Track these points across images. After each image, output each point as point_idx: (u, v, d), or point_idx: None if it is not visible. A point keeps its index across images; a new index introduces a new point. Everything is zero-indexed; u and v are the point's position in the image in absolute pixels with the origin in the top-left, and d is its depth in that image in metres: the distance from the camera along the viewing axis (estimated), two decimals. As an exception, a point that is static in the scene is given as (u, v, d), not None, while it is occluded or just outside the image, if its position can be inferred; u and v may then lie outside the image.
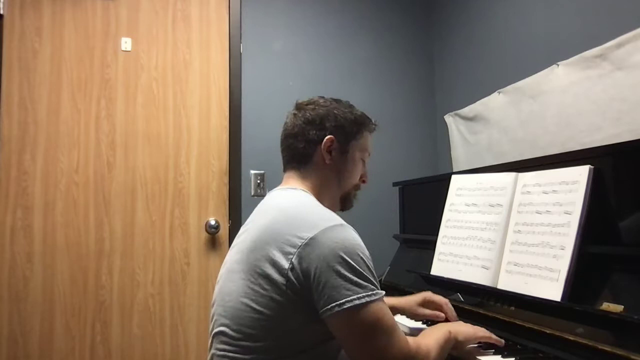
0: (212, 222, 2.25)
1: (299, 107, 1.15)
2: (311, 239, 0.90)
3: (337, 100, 1.16)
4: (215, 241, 2.28)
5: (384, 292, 0.93)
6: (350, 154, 1.13)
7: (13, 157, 2.09)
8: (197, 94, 2.31)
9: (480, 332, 1.10)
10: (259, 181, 2.35)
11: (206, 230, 2.25)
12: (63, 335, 2.08)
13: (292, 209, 1.01)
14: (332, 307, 0.87)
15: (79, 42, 2.20)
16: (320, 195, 1.10)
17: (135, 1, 2.26)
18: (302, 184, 1.10)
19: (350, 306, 0.87)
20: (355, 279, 0.88)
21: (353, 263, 0.89)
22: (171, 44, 2.29)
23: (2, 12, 2.11)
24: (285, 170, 1.15)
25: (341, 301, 0.87)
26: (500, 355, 1.06)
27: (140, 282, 2.18)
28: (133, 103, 2.23)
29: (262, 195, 2.33)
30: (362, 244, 0.95)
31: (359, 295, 0.87)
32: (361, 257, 0.91)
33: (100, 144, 2.19)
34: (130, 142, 2.22)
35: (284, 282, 0.91)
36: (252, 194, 2.34)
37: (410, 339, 0.93)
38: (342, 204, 1.17)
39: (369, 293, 0.89)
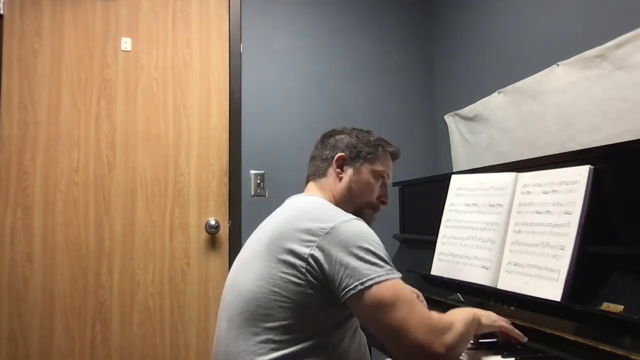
0: (212, 222, 2.25)
1: (322, 137, 1.29)
2: (332, 228, 0.98)
3: (358, 129, 1.28)
4: (215, 241, 2.28)
5: (400, 274, 0.98)
6: (362, 172, 1.21)
7: (13, 157, 2.09)
8: (197, 94, 2.31)
9: (503, 321, 1.11)
10: (259, 181, 2.35)
11: (206, 230, 2.25)
12: (63, 335, 2.08)
13: (311, 205, 1.10)
14: (355, 286, 0.93)
15: (79, 42, 2.20)
16: (336, 204, 1.16)
17: (135, 1, 2.26)
18: (320, 192, 1.20)
19: (372, 283, 0.93)
20: (374, 260, 0.96)
21: (371, 247, 0.97)
22: (171, 44, 2.29)
23: (2, 12, 2.11)
24: (307, 182, 1.26)
25: (363, 280, 0.93)
26: (500, 356, 1.06)
27: (140, 282, 2.18)
28: (133, 103, 2.23)
29: (262, 195, 2.34)
30: (375, 235, 1.02)
31: (379, 274, 0.94)
32: (378, 244, 1.00)
33: (100, 144, 2.19)
34: (130, 142, 2.22)
35: (304, 266, 0.97)
36: (252, 194, 2.34)
37: (434, 313, 0.97)
38: None
39: (388, 272, 0.96)
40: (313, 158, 1.27)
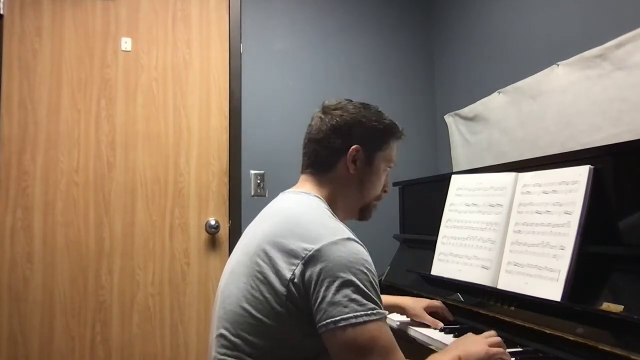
0: (212, 222, 2.25)
1: (325, 110, 1.10)
2: (316, 250, 0.88)
3: (366, 106, 1.12)
4: (215, 241, 2.28)
5: (386, 312, 0.90)
6: (375, 164, 1.10)
7: (13, 157, 2.09)
8: (197, 94, 2.31)
9: (492, 349, 0.98)
10: (259, 181, 2.35)
11: (206, 230, 2.25)
12: (63, 335, 2.08)
13: (298, 216, 0.98)
14: (327, 323, 0.85)
15: (79, 42, 2.20)
16: (336, 203, 1.07)
17: (135, 1, 2.26)
18: (317, 190, 1.07)
19: (346, 324, 0.84)
20: (355, 296, 0.86)
21: (355, 280, 0.87)
22: (171, 44, 2.29)
23: (2, 12, 2.11)
24: (302, 172, 1.13)
25: (337, 318, 0.84)
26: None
27: (140, 282, 2.18)
28: (133, 103, 2.23)
29: (262, 195, 2.34)
30: (368, 259, 0.92)
31: (356, 314, 0.85)
32: (365, 274, 0.88)
33: (100, 144, 2.19)
34: (130, 142, 2.22)
35: (285, 293, 0.89)
36: (252, 194, 2.34)
37: None
38: (360, 214, 1.15)
39: (368, 312, 0.85)
40: (314, 141, 1.09)
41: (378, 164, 1.10)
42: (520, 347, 1.11)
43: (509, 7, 2.07)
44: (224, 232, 2.28)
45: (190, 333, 2.21)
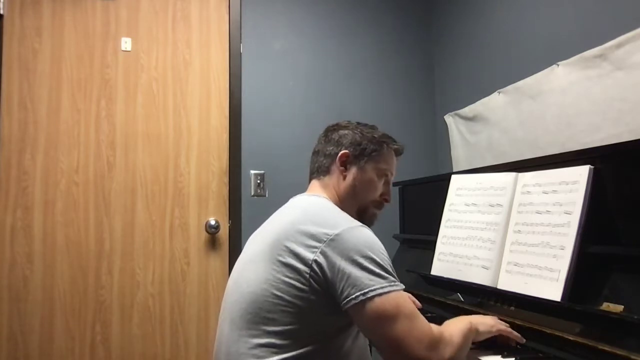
0: (212, 222, 2.25)
1: (326, 130, 1.25)
2: (337, 235, 0.97)
3: (362, 124, 1.24)
4: (215, 241, 2.28)
5: (403, 286, 0.98)
6: (366, 170, 1.18)
7: (13, 157, 2.09)
8: (197, 94, 2.31)
9: (501, 324, 1.12)
10: (259, 181, 2.35)
11: (206, 230, 2.25)
12: (63, 335, 2.08)
13: (315, 208, 1.09)
14: (357, 296, 0.92)
15: (79, 42, 2.20)
16: (339, 205, 1.14)
17: (135, 1, 2.26)
18: (323, 192, 1.18)
19: (374, 295, 0.92)
20: (378, 271, 0.95)
21: (376, 257, 0.96)
22: (171, 44, 2.29)
23: (2, 12, 2.11)
24: (310, 180, 1.24)
25: (365, 290, 0.92)
26: (500, 356, 1.06)
27: (140, 282, 2.18)
28: (133, 103, 2.23)
29: (262, 195, 2.34)
30: (381, 244, 1.01)
31: (382, 285, 0.93)
32: (382, 254, 0.99)
33: (100, 144, 2.19)
34: (130, 142, 2.22)
35: (308, 272, 0.96)
36: (252, 194, 2.34)
37: (433, 326, 0.97)
38: (359, 217, 1.18)
39: (391, 283, 0.95)
40: (316, 153, 1.23)
41: (368, 170, 1.19)
42: (520, 347, 1.11)
43: (509, 7, 2.07)
44: (224, 232, 2.28)
45: (190, 333, 2.21)
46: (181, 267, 2.23)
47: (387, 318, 0.92)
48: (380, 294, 0.92)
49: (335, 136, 1.20)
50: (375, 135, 1.21)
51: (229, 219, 2.29)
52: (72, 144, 2.16)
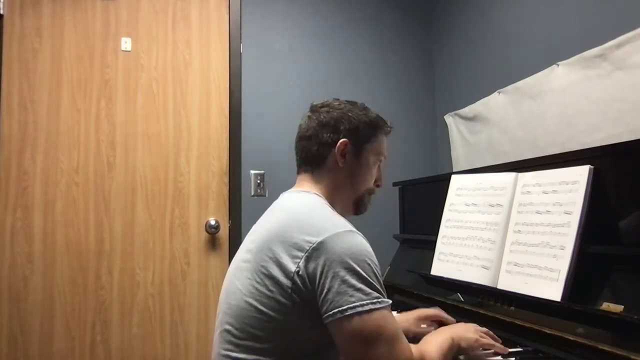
0: (212, 222, 2.25)
1: (313, 109, 1.15)
2: (320, 243, 0.90)
3: (352, 103, 1.15)
4: (215, 241, 2.28)
5: (390, 301, 0.91)
6: (364, 157, 1.11)
7: (13, 157, 2.09)
8: (197, 94, 2.31)
9: (484, 339, 1.07)
10: (259, 181, 2.35)
11: (206, 230, 2.25)
12: (63, 335, 2.08)
13: (301, 212, 1.00)
14: (334, 313, 0.87)
15: (79, 42, 2.20)
16: (333, 199, 1.09)
17: (135, 1, 2.26)
18: (315, 187, 1.09)
19: (353, 313, 0.86)
20: (361, 285, 0.88)
21: (360, 270, 0.89)
22: (171, 44, 2.29)
23: (2, 12, 2.11)
24: (298, 172, 1.14)
25: (343, 307, 0.86)
26: (500, 355, 1.06)
27: (140, 282, 2.18)
28: (133, 103, 2.23)
29: (262, 195, 2.34)
30: (370, 250, 0.94)
31: (362, 302, 0.86)
32: (368, 264, 0.91)
33: (100, 144, 2.19)
34: (130, 142, 2.22)
35: (290, 286, 0.90)
36: (252, 194, 2.34)
37: (413, 347, 0.92)
38: (355, 208, 1.15)
39: (373, 300, 0.88)
40: (306, 138, 1.11)
41: (367, 157, 1.12)
42: (520, 347, 1.11)
43: (509, 7, 2.07)
44: (224, 232, 2.28)
45: (190, 333, 2.21)
46: (181, 267, 2.23)
47: (365, 340, 0.86)
48: (360, 313, 0.86)
49: (329, 120, 1.10)
50: (371, 117, 1.13)
51: (229, 219, 2.29)
52: (72, 144, 2.16)
